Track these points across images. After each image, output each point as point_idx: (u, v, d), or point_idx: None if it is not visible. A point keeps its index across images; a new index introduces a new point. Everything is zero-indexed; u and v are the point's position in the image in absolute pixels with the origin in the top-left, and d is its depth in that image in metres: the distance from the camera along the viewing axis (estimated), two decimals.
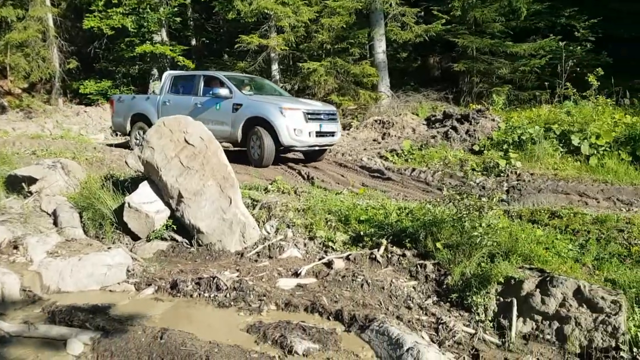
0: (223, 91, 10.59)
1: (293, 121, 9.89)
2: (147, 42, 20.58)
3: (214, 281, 5.32)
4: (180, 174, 6.53)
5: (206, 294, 5.24)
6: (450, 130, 12.34)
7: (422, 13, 19.05)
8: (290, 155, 11.70)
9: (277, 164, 10.61)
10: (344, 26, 16.60)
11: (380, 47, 17.03)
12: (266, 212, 6.88)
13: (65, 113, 20.01)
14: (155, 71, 21.81)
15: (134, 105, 12.26)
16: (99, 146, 11.55)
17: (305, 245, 6.35)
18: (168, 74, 12.16)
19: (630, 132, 10.05)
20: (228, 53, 21.92)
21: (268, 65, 17.76)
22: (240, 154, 10.92)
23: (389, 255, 5.91)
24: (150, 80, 21.78)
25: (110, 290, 5.55)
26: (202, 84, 11.25)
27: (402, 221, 6.29)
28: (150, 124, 10.28)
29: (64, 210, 7.13)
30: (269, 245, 6.27)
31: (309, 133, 10.06)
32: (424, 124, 13.96)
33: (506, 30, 17.01)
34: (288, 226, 6.62)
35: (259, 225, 6.63)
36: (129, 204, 6.55)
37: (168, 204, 6.66)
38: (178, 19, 21.77)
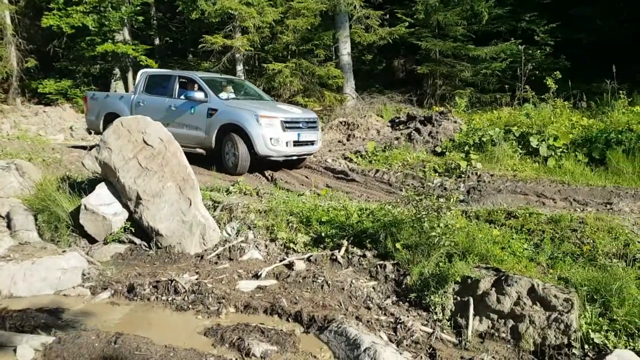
0: (198, 95, 10.03)
1: (269, 130, 9.36)
2: (109, 41, 20.13)
3: (172, 284, 5.25)
4: (138, 175, 6.42)
5: (164, 298, 5.17)
6: (413, 132, 12.45)
7: (387, 16, 19.18)
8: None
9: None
10: (309, 28, 16.58)
11: (345, 49, 17.09)
12: (227, 213, 6.82)
13: (23, 113, 19.41)
14: (117, 70, 21.39)
15: (107, 104, 11.62)
16: (57, 147, 11.27)
17: (266, 246, 6.33)
18: (143, 72, 11.56)
19: (587, 134, 10.32)
20: (192, 53, 21.67)
21: (233, 66, 17.63)
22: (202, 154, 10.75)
23: (350, 256, 5.94)
24: (112, 80, 21.35)
25: (64, 295, 5.43)
26: (177, 86, 10.64)
27: (363, 222, 6.33)
28: None
29: (18, 212, 6.94)
30: (229, 247, 6.22)
31: (286, 143, 9.52)
32: (388, 126, 14.05)
33: (468, 34, 17.29)
34: (249, 228, 6.58)
35: (219, 227, 6.57)
36: (85, 206, 6.41)
37: (126, 206, 6.54)
38: (141, 18, 21.38)
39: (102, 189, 6.67)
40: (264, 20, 16.49)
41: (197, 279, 5.48)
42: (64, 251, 6.05)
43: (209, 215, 6.59)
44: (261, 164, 10.01)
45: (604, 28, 17.42)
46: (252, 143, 9.33)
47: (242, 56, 17.63)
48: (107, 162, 6.57)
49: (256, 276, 5.63)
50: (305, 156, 10.61)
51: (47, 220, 6.81)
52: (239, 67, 17.59)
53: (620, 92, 11.58)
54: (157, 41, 24.13)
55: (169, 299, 5.15)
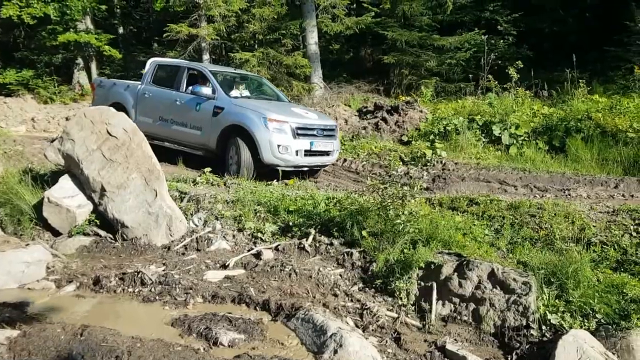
0: (205, 90, 9.23)
1: (278, 136, 8.38)
2: (71, 30, 19.62)
3: (139, 276, 5.24)
4: (102, 167, 6.35)
5: (130, 289, 5.15)
6: (380, 121, 12.59)
7: (353, 5, 19.23)
8: None
9: None
10: (276, 17, 16.52)
11: (313, 38, 17.06)
12: (194, 204, 6.81)
13: None
14: (80, 60, 20.91)
15: (112, 93, 10.71)
16: (19, 139, 11.02)
17: (234, 237, 6.34)
18: (152, 61, 10.67)
19: (548, 122, 10.63)
20: (158, 42, 21.30)
21: (199, 55, 17.41)
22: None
23: (317, 245, 6.01)
24: (75, 70, 20.86)
25: (29, 288, 5.34)
26: (185, 78, 9.78)
27: (330, 211, 6.41)
28: (128, 116, 8.83)
29: None
30: (196, 238, 6.22)
31: (297, 152, 8.52)
32: (355, 115, 14.14)
33: (433, 24, 17.48)
34: (217, 218, 6.58)
35: (186, 217, 6.56)
36: (48, 198, 6.31)
37: (90, 198, 6.47)
38: (103, 7, 20.84)
39: (65, 181, 6.57)
40: (230, 8, 16.32)
41: (164, 270, 5.47)
42: (27, 244, 5.94)
43: (176, 206, 6.57)
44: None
45: (566, 18, 17.84)
46: (257, 149, 8.42)
47: (208, 45, 17.44)
48: (70, 153, 6.47)
49: (224, 266, 5.65)
50: (319, 167, 9.58)
51: (9, 213, 6.68)
52: (206, 57, 17.40)
53: (580, 81, 11.91)
54: (120, 30, 23.64)
55: (136, 290, 5.13)
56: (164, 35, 16.81)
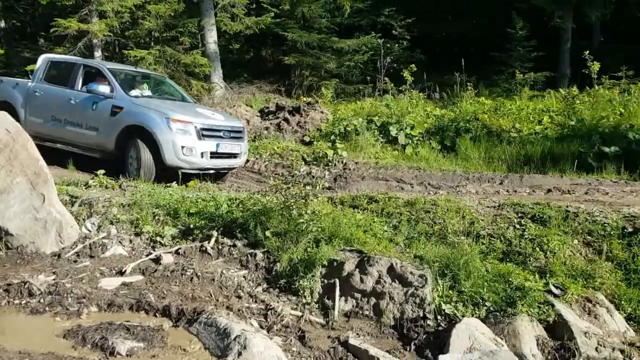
0: (103, 88, 8.80)
1: (182, 137, 8.19)
2: None
3: (26, 286, 4.87)
4: None
5: (17, 301, 4.77)
6: (282, 122, 12.66)
7: (253, 5, 19.19)
8: None
9: None
10: (172, 14, 16.09)
11: (212, 37, 16.80)
12: (87, 208, 6.45)
13: None
14: None
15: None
16: None
17: (131, 242, 6.08)
18: (45, 57, 10.11)
19: (440, 123, 11.23)
20: (44, 37, 19.96)
21: (90, 52, 16.54)
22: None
23: (220, 247, 5.91)
24: None
25: None
26: (81, 76, 9.31)
27: (232, 212, 6.32)
28: (16, 116, 8.42)
29: None
30: (90, 244, 5.89)
31: (202, 153, 8.35)
32: (257, 116, 14.11)
33: (332, 27, 17.87)
34: (112, 223, 6.27)
35: (78, 223, 6.19)
36: None
37: None
38: None
39: None
40: (124, 4, 15.65)
41: (54, 280, 5.13)
42: None
43: (66, 211, 6.18)
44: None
45: (455, 24, 18.94)
46: (159, 151, 8.17)
47: (100, 42, 16.62)
48: None
49: (120, 273, 5.40)
50: (226, 170, 9.45)
51: None
52: (97, 54, 16.57)
53: (468, 84, 12.70)
54: (2, 24, 21.89)
55: (23, 302, 4.76)
56: (51, 30, 15.79)
